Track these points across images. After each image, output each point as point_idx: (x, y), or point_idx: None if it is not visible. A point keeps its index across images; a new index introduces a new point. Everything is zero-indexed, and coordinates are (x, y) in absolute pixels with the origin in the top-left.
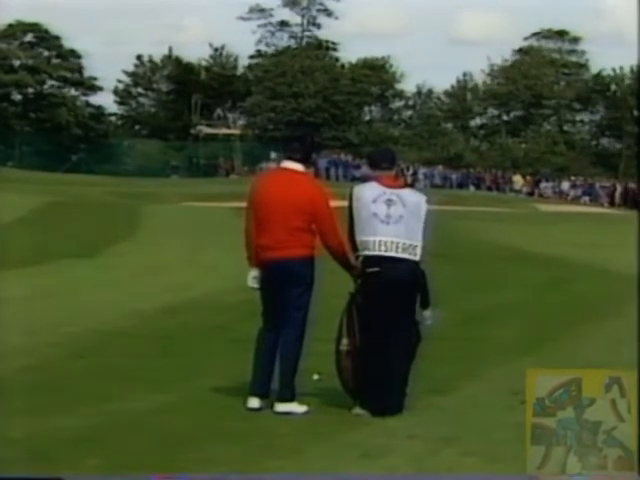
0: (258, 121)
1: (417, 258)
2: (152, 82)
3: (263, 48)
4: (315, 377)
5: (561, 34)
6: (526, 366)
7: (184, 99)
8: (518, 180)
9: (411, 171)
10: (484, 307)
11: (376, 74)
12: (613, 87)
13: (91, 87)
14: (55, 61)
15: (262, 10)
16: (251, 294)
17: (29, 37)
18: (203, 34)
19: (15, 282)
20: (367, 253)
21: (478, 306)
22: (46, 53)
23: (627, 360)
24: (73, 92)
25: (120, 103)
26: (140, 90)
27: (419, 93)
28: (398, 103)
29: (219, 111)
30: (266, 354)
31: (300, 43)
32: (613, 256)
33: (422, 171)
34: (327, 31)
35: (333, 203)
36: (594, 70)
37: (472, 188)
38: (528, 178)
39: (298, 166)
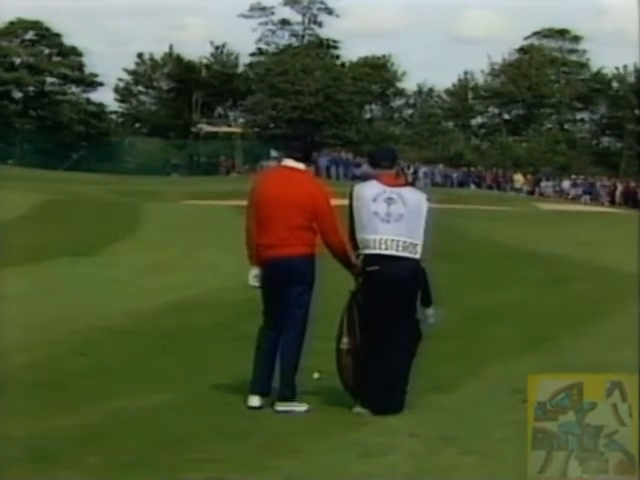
0: (259, 119)
1: (417, 256)
2: (153, 80)
3: (264, 46)
4: (315, 376)
5: (562, 33)
6: (527, 365)
7: (185, 97)
8: (519, 179)
9: (412, 170)
10: (485, 306)
11: (377, 72)
12: (615, 85)
13: (92, 84)
14: (56, 59)
15: (263, 8)
16: (251, 292)
17: (30, 35)
18: (204, 32)
19: (15, 280)
20: (367, 251)
21: (479, 304)
22: (47, 51)
23: (628, 359)
24: (74, 90)
25: (121, 101)
26: (141, 88)
27: (420, 92)
28: (399, 102)
29: (220, 109)
30: (267, 353)
31: (301, 41)
32: (614, 255)
33: (423, 170)
34: (328, 29)
35: (334, 202)
36: (595, 69)
37: (473, 187)
38: (529, 177)
39: (299, 165)
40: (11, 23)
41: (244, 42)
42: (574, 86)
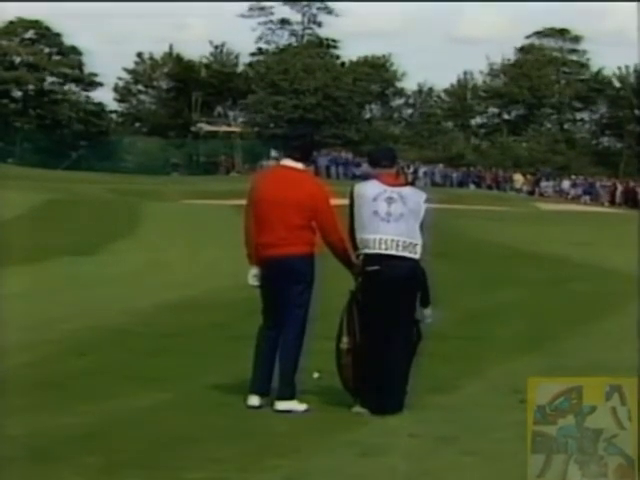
0: (258, 119)
1: (417, 256)
2: (152, 79)
3: (264, 46)
4: (315, 375)
5: (562, 33)
6: (527, 365)
7: (184, 96)
8: (519, 179)
9: (411, 169)
10: (484, 306)
11: (377, 72)
12: (617, 85)
13: (91, 83)
14: (56, 58)
15: (263, 8)
16: (251, 292)
17: (30, 34)
18: (204, 32)
19: (15, 279)
20: (367, 251)
21: (478, 305)
22: (47, 50)
23: (628, 360)
24: (74, 89)
25: (120, 100)
26: (140, 87)
27: (420, 91)
28: (399, 101)
29: (219, 109)
30: (266, 352)
31: (301, 41)
32: (613, 255)
33: (422, 169)
34: (328, 29)
35: (334, 201)
36: (595, 69)
37: (472, 187)
38: (529, 177)
39: (297, 164)
40: (11, 22)
41: (244, 42)
42: (574, 86)
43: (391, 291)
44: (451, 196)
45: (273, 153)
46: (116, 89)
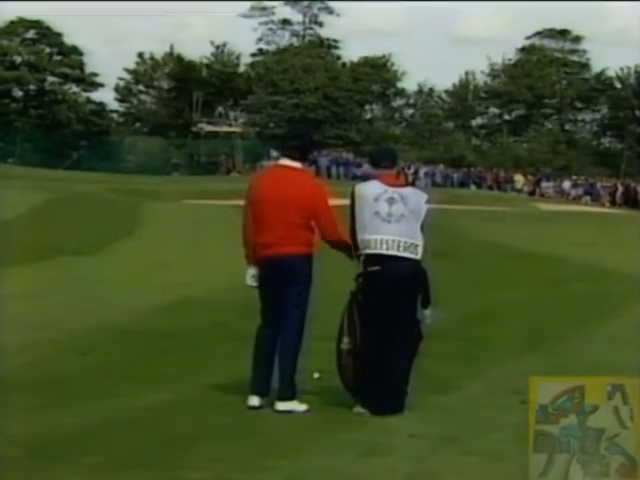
0: (259, 119)
1: (418, 257)
2: (153, 79)
3: (264, 46)
4: (316, 376)
5: (563, 33)
6: (527, 365)
7: (185, 97)
8: (519, 179)
9: (412, 170)
10: (485, 306)
11: (377, 72)
12: (618, 85)
13: (92, 84)
14: (56, 58)
15: (264, 8)
16: (251, 292)
17: (30, 34)
18: (205, 32)
19: (16, 279)
20: (368, 252)
21: (479, 305)
22: (47, 50)
23: (629, 360)
24: (74, 89)
25: (121, 100)
26: (141, 87)
27: (420, 92)
28: (399, 101)
29: (220, 109)
30: (265, 352)
31: (302, 41)
32: (614, 256)
33: (423, 170)
34: (328, 29)
35: (334, 201)
36: (596, 70)
37: (473, 187)
38: (529, 177)
39: (295, 164)
40: (12, 22)
41: (245, 42)
42: (575, 86)
43: (392, 291)
44: (452, 197)
45: (274, 153)
46: (117, 89)
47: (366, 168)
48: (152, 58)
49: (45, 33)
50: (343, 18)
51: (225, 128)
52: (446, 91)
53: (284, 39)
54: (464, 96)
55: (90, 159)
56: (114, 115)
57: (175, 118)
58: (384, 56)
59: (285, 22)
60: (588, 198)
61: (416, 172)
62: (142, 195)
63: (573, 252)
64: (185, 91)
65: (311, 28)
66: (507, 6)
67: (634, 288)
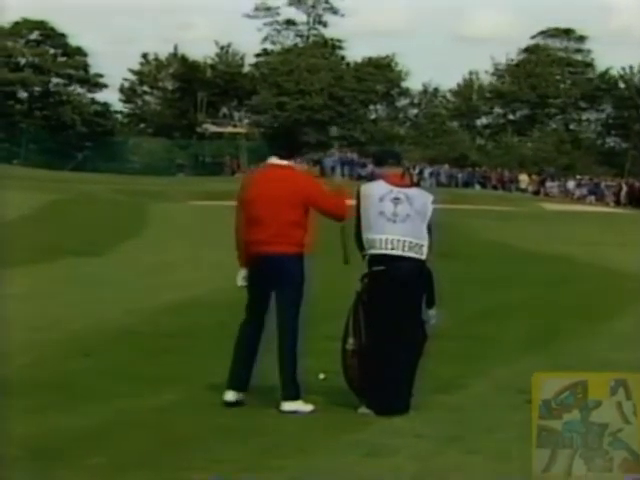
0: (264, 119)
1: (423, 257)
2: (158, 80)
3: (269, 46)
4: (321, 376)
5: (567, 33)
6: (532, 365)
7: (190, 97)
8: (524, 179)
9: (417, 170)
10: (490, 306)
11: (382, 72)
12: (622, 85)
13: (96, 84)
14: (61, 59)
15: (268, 8)
16: None
17: (35, 35)
18: (209, 32)
19: (20, 279)
20: (374, 251)
21: (484, 305)
22: (52, 51)
23: (633, 359)
24: (79, 90)
25: (126, 101)
26: (146, 88)
27: (425, 91)
28: (404, 101)
29: (225, 109)
30: (246, 348)
31: (306, 41)
32: (619, 255)
33: (428, 170)
34: (333, 29)
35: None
36: (600, 69)
37: (478, 187)
38: (534, 177)
39: (283, 161)
40: (16, 23)
41: (249, 42)
42: (579, 86)
43: (397, 291)
44: (456, 196)
45: None
46: (121, 90)
47: (371, 168)
48: (156, 59)
49: (49, 34)
50: (347, 18)
51: (230, 129)
52: (450, 91)
53: (288, 39)
54: (468, 96)
55: (95, 160)
56: (119, 116)
57: (180, 119)
58: (388, 56)
59: (289, 22)
60: (592, 198)
61: (421, 172)
62: (147, 196)
63: (577, 251)
64: (189, 92)
65: (315, 28)
66: (511, 6)
67: (638, 287)
